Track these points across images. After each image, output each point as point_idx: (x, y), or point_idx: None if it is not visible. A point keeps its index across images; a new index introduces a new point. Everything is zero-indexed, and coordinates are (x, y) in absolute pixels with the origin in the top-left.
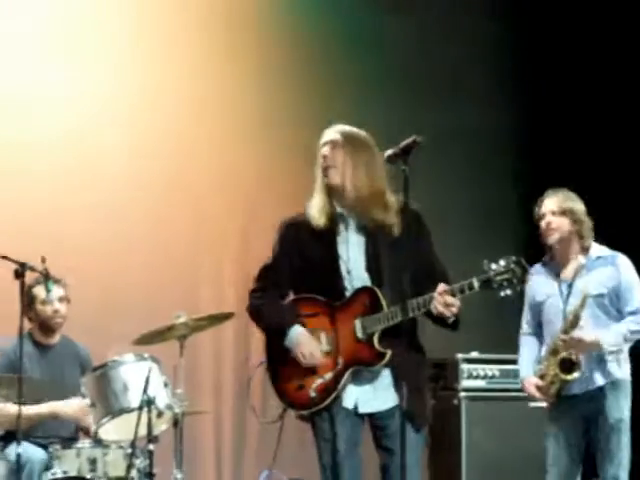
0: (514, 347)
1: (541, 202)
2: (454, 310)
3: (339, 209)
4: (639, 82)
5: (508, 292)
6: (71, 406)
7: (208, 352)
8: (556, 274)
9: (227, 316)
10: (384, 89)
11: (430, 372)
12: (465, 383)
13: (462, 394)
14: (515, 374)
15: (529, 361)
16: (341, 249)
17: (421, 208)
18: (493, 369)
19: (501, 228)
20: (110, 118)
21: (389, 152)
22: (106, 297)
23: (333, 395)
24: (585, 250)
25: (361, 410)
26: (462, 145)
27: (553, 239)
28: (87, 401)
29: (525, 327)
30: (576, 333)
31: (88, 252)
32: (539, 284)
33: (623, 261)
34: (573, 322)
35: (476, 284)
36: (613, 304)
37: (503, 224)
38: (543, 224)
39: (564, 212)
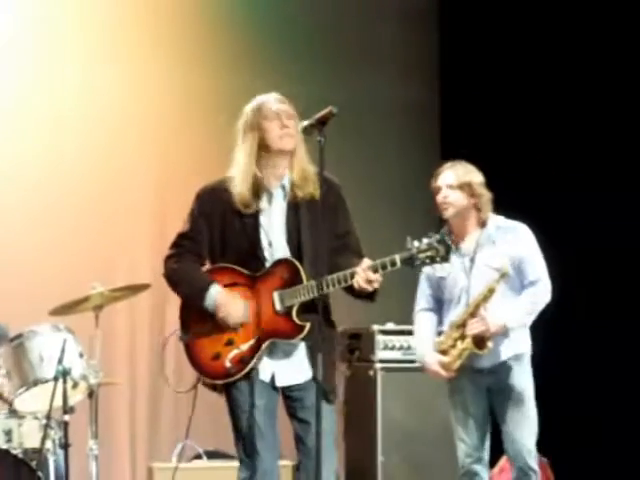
0: None
1: (437, 175)
2: (376, 285)
3: (266, 179)
4: (552, 63)
5: (430, 269)
6: None
7: (123, 323)
8: (455, 248)
9: (142, 287)
10: (301, 62)
11: (346, 343)
12: (381, 354)
13: (378, 365)
14: None
15: (429, 338)
16: (263, 219)
17: (339, 180)
18: (409, 340)
19: (419, 201)
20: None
21: (305, 123)
22: (22, 268)
23: (249, 366)
24: (483, 223)
25: (278, 383)
26: (378, 117)
27: (449, 213)
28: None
29: (423, 303)
30: (484, 313)
31: (4, 224)
32: None
33: (523, 231)
34: (487, 296)
35: (398, 261)
36: (516, 275)
37: (420, 197)
38: (439, 198)
39: (461, 186)
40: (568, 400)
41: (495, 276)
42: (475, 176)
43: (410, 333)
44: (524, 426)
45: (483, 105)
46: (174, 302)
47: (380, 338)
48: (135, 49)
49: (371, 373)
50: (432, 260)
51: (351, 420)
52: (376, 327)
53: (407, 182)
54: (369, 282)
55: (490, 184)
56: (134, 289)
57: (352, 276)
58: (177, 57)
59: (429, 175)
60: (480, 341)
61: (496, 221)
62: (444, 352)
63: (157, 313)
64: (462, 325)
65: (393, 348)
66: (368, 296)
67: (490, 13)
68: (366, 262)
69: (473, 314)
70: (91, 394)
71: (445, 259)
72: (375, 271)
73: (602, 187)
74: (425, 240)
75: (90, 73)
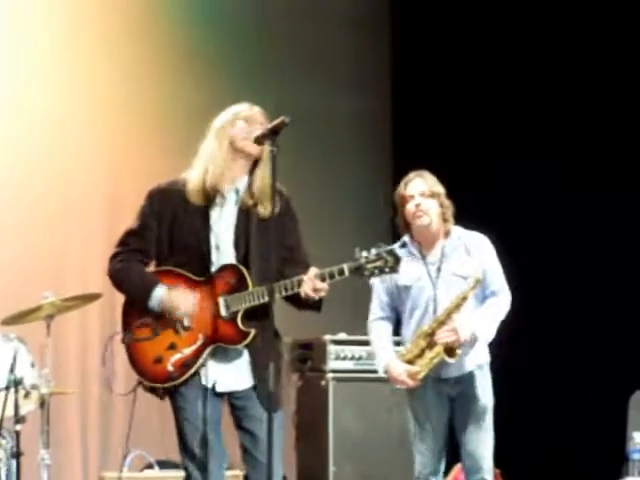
0: None
1: (407, 183)
2: (322, 294)
3: (222, 181)
4: (503, 70)
5: (378, 280)
6: None
7: (75, 332)
8: (420, 257)
9: (94, 297)
10: (253, 72)
11: (297, 353)
12: (332, 364)
13: (329, 375)
14: None
15: (390, 346)
16: (213, 222)
17: (288, 191)
18: (360, 350)
19: (370, 210)
20: None
21: (257, 133)
22: None
23: (191, 371)
24: (447, 234)
25: (219, 389)
26: (330, 125)
27: (422, 222)
28: None
29: (378, 311)
30: (455, 323)
31: None
32: (403, 267)
33: (485, 242)
34: (459, 305)
35: (347, 271)
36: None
37: (372, 206)
38: (412, 206)
39: (433, 195)
40: (518, 411)
41: (466, 284)
42: (441, 187)
43: (362, 343)
44: (483, 438)
45: (435, 113)
46: (123, 304)
47: (332, 348)
48: (86, 50)
49: (323, 383)
50: (381, 271)
51: (303, 430)
52: (328, 337)
53: (359, 191)
54: (316, 290)
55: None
56: (86, 299)
57: (299, 284)
58: (130, 63)
59: (381, 183)
60: (450, 349)
61: (458, 231)
62: (410, 362)
63: (108, 322)
64: (431, 334)
65: (345, 358)
66: (313, 306)
67: (441, 21)
68: (313, 270)
69: (444, 323)
70: (43, 403)
71: (394, 270)
72: (323, 280)
73: (555, 192)
74: (374, 251)
75: (32, 78)
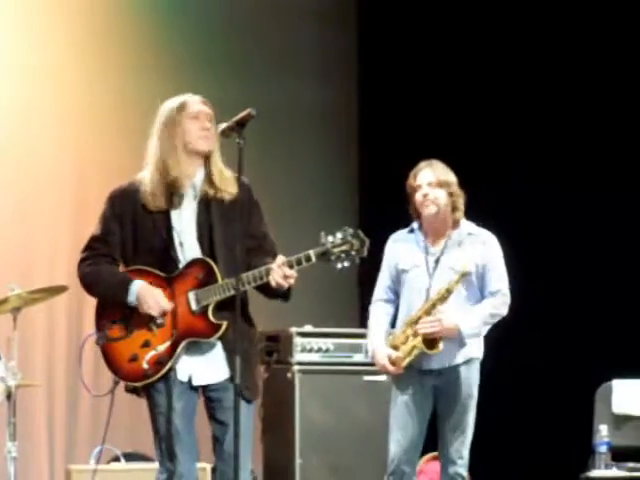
0: (348, 321)
1: (416, 173)
2: (291, 282)
3: (178, 178)
4: (471, 63)
5: (346, 264)
6: None
7: (41, 325)
8: (424, 245)
9: (61, 289)
10: (218, 65)
11: (263, 345)
12: (299, 357)
13: (296, 367)
14: (350, 348)
15: (382, 331)
16: (174, 219)
17: (253, 181)
18: (327, 343)
19: (337, 202)
20: None
21: (224, 126)
22: None
23: (167, 367)
24: (456, 224)
25: (195, 382)
26: (296, 119)
27: (430, 211)
28: None
29: (381, 293)
30: (439, 314)
31: None
32: (405, 252)
33: (493, 241)
34: (444, 296)
35: (313, 256)
36: (478, 283)
37: (338, 199)
38: (420, 196)
39: (441, 184)
40: (484, 404)
41: (454, 277)
42: (452, 176)
43: (328, 335)
44: (462, 433)
45: (402, 106)
46: (92, 304)
47: (298, 340)
48: (52, 44)
49: (289, 375)
50: (347, 254)
51: (269, 422)
52: (294, 329)
53: (325, 183)
54: (285, 278)
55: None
56: (52, 291)
57: (268, 273)
58: (95, 58)
59: (347, 176)
60: (431, 341)
61: (469, 226)
62: (396, 347)
63: (75, 315)
64: (416, 322)
65: (311, 350)
66: (282, 295)
67: (408, 13)
68: (281, 258)
69: (428, 312)
70: (9, 396)
71: (360, 252)
72: (290, 267)
73: (524, 185)
74: (339, 235)
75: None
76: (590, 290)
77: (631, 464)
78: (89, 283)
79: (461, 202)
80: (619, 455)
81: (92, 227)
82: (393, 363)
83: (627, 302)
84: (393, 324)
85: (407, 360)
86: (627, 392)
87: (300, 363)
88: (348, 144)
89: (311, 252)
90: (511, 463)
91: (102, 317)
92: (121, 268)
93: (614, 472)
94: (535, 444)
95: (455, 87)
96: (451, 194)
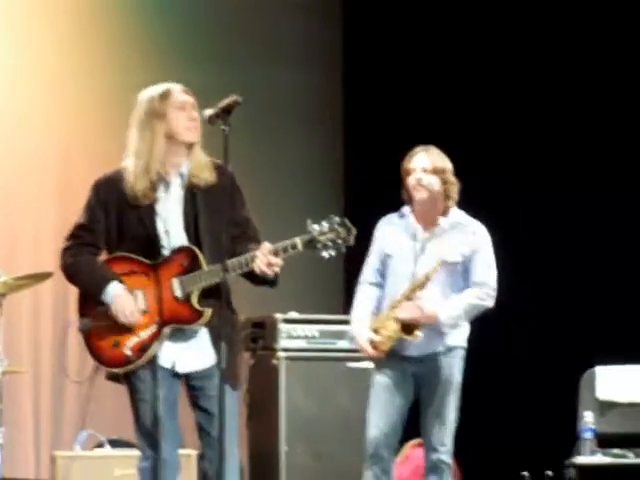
0: (334, 307)
1: (411, 157)
2: (276, 270)
3: (164, 167)
4: (454, 51)
5: (332, 253)
6: None
7: (26, 311)
8: (412, 231)
9: (46, 276)
10: (202, 54)
11: (249, 332)
12: (284, 343)
13: (281, 354)
14: (336, 335)
15: (367, 313)
16: (160, 208)
17: (236, 171)
18: (312, 329)
19: (321, 190)
20: None
21: (209, 112)
22: None
23: (149, 353)
24: (446, 212)
25: (179, 370)
26: (281, 109)
27: (421, 196)
28: None
29: (369, 275)
30: (418, 301)
31: None
32: (392, 236)
33: (483, 232)
34: (423, 283)
35: (299, 244)
36: (463, 272)
37: (323, 186)
38: (412, 180)
39: (436, 171)
40: (470, 390)
41: (434, 264)
42: (448, 163)
43: (314, 322)
44: (443, 421)
45: (386, 97)
46: (77, 290)
47: (283, 327)
48: (37, 30)
49: (274, 362)
50: (333, 242)
51: (254, 409)
52: (279, 316)
53: (310, 174)
54: (270, 266)
55: (395, 173)
56: (37, 277)
57: (253, 260)
58: (80, 45)
59: (332, 166)
60: (409, 327)
61: (459, 215)
62: (377, 331)
63: (60, 301)
64: (396, 307)
65: (296, 337)
66: (268, 282)
67: (393, 5)
68: (266, 246)
69: (409, 298)
70: None
71: (346, 241)
72: (276, 254)
73: (511, 180)
74: (325, 223)
75: None
76: (575, 278)
77: (616, 450)
78: (69, 274)
79: (455, 190)
80: (604, 441)
81: (77, 212)
82: (375, 347)
83: (612, 289)
84: (379, 307)
85: (388, 344)
86: (611, 379)
87: (285, 350)
88: (333, 135)
89: (297, 240)
90: (496, 450)
91: (85, 304)
92: (104, 255)
93: (599, 458)
94: (520, 431)
95: (440, 77)
96: (445, 181)
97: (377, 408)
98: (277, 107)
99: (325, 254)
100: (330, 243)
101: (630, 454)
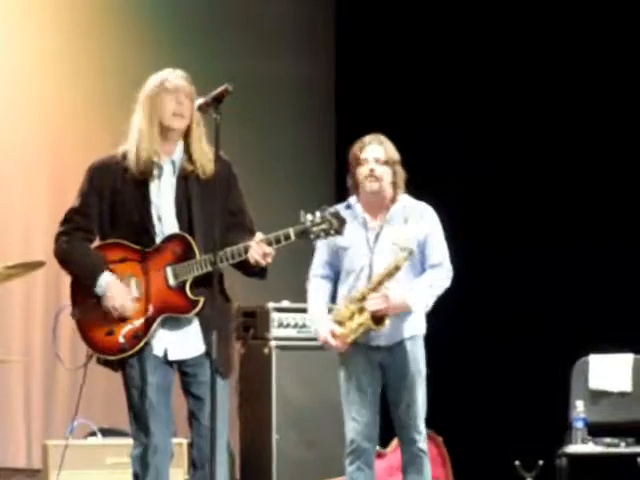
0: None
1: (363, 147)
2: (269, 260)
3: (158, 153)
4: (448, 38)
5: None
6: None
7: (18, 300)
8: (362, 221)
9: (37, 265)
10: (193, 40)
11: (240, 321)
12: (276, 332)
13: (273, 343)
14: None
15: (324, 305)
16: (153, 194)
17: (233, 157)
18: (304, 318)
19: (313, 179)
20: None
21: (200, 101)
22: None
23: (143, 341)
24: (394, 200)
25: (170, 357)
26: (273, 95)
27: (372, 188)
28: None
29: (319, 269)
30: (385, 291)
31: None
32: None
33: (430, 212)
34: (392, 273)
35: (292, 234)
36: (420, 256)
37: (315, 175)
38: (365, 170)
39: (388, 162)
40: (462, 379)
41: (402, 253)
42: (396, 153)
43: (305, 311)
44: (414, 409)
45: (379, 81)
46: (69, 279)
47: (275, 316)
48: (33, 17)
49: (266, 351)
50: (326, 233)
51: (246, 398)
52: (271, 305)
53: (302, 160)
54: (264, 255)
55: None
56: (29, 266)
57: (246, 250)
58: (73, 31)
59: (324, 153)
60: (378, 318)
61: (404, 200)
62: (341, 323)
63: (52, 290)
64: (362, 299)
65: (288, 326)
66: (259, 273)
67: None
68: (260, 236)
69: (375, 289)
70: None
71: (339, 232)
72: (269, 245)
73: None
74: (318, 213)
75: None
76: (568, 265)
77: (608, 439)
78: (63, 261)
79: (401, 181)
80: (596, 430)
81: (69, 202)
82: (338, 339)
83: (604, 278)
84: (332, 300)
85: (352, 336)
86: (603, 368)
87: (277, 338)
88: (326, 119)
89: (290, 230)
90: (488, 439)
91: (78, 290)
92: (97, 242)
93: (591, 447)
94: (512, 420)
95: (434, 68)
96: (395, 172)
97: (352, 402)
98: (269, 97)
99: (318, 244)
100: (323, 233)
101: (621, 443)
